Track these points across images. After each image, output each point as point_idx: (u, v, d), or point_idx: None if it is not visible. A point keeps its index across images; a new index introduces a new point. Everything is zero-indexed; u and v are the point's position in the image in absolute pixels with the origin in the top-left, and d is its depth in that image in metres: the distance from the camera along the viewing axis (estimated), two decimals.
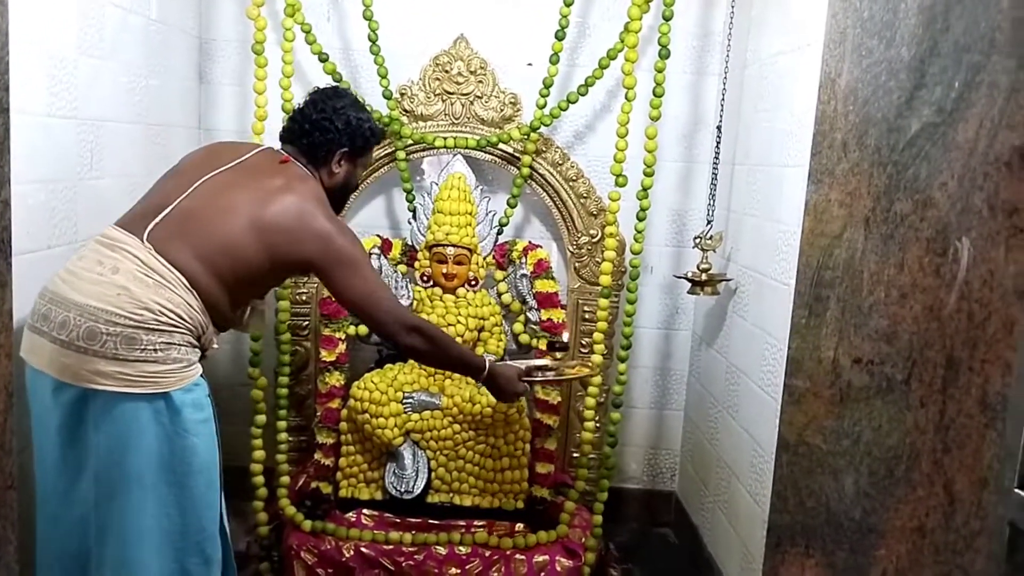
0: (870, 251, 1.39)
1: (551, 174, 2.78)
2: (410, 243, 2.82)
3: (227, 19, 2.93)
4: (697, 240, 2.61)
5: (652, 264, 3.05)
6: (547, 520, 2.56)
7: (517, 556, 2.44)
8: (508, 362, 2.33)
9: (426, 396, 2.57)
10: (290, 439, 2.65)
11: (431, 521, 2.51)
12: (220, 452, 1.82)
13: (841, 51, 1.55)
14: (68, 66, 2.07)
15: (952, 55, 1.20)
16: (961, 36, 1.18)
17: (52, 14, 2.01)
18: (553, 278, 2.74)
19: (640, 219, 2.55)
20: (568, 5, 2.68)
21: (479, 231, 2.73)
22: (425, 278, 2.73)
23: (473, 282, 2.72)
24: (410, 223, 2.82)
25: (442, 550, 2.43)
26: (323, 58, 2.66)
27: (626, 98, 2.48)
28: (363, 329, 2.69)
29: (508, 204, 2.85)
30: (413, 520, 2.51)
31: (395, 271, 2.74)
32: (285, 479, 2.57)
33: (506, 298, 2.79)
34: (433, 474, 2.53)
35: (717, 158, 2.67)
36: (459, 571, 2.42)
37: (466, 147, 2.74)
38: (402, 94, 2.80)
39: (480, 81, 2.79)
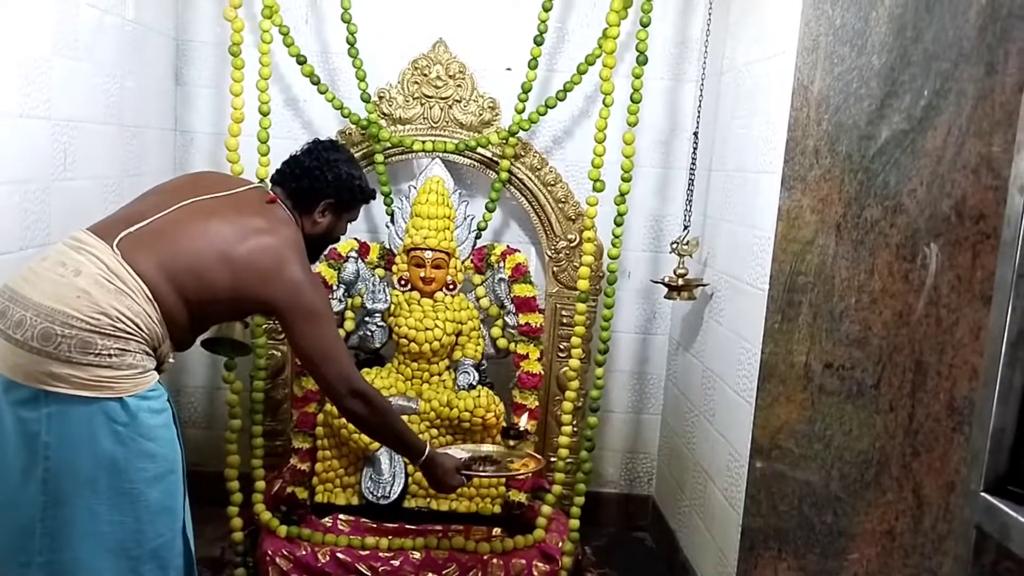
0: (841, 257, 1.41)
1: (529, 179, 2.79)
2: (388, 247, 2.81)
3: (204, 21, 2.91)
4: (674, 245, 2.63)
5: (629, 269, 3.06)
6: (524, 525, 2.56)
7: (494, 561, 2.43)
8: (451, 450, 2.30)
9: (403, 400, 2.56)
10: (266, 444, 2.63)
11: (408, 526, 2.50)
12: (183, 457, 1.80)
13: (814, 59, 1.57)
14: (42, 66, 2.05)
15: (922, 63, 1.22)
16: (931, 44, 1.20)
17: (26, 14, 1.99)
18: (531, 282, 2.75)
19: (618, 224, 2.57)
20: (547, 10, 2.68)
21: (457, 235, 2.73)
22: (403, 282, 2.72)
23: (451, 286, 2.71)
24: (388, 226, 2.82)
25: (419, 555, 2.42)
26: (301, 60, 2.65)
27: (604, 104, 2.50)
28: (340, 333, 2.69)
29: (486, 208, 2.86)
30: (390, 525, 2.50)
31: (373, 275, 2.74)
32: (260, 484, 2.55)
33: (484, 302, 2.79)
34: (410, 479, 2.52)
35: (694, 164, 2.69)
36: None
37: (444, 151, 2.74)
38: (380, 97, 2.79)
39: (459, 85, 2.80)
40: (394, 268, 2.75)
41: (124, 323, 1.66)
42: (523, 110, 2.74)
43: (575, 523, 2.60)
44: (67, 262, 1.68)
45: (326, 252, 2.52)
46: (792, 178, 1.63)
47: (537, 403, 2.69)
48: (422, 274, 2.67)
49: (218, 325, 2.17)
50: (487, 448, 2.43)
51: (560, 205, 2.79)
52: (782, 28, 2.18)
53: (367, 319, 2.70)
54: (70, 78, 2.20)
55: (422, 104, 2.80)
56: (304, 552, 2.40)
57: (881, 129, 1.31)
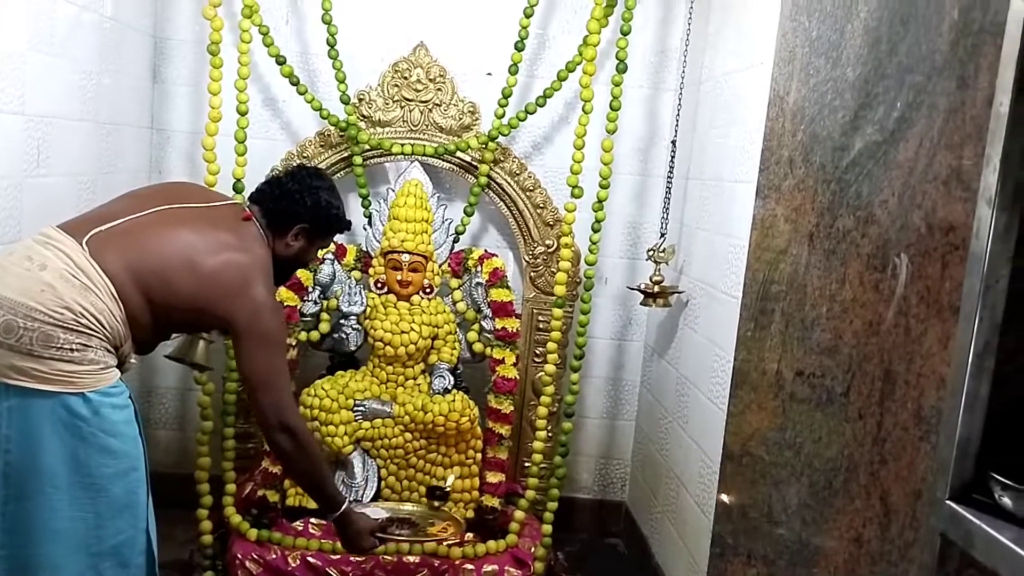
0: (814, 266, 1.42)
1: (508, 184, 2.79)
2: (365, 249, 2.80)
3: (183, 19, 2.89)
4: (650, 252, 2.64)
5: (606, 275, 3.07)
6: (497, 529, 2.55)
7: (466, 566, 2.43)
8: (369, 510, 2.29)
9: (377, 404, 2.56)
10: (237, 446, 2.60)
11: None
12: (147, 456, 1.78)
13: (790, 70, 1.58)
14: (16, 61, 2.03)
15: (896, 76, 1.23)
16: (904, 58, 1.22)
17: (1, 9, 1.96)
18: (508, 287, 2.75)
19: (595, 231, 2.58)
20: (528, 17, 2.69)
21: (435, 239, 2.73)
22: (379, 285, 2.71)
23: (428, 290, 2.71)
24: (366, 229, 2.81)
25: (390, 559, 2.41)
26: (280, 61, 2.64)
27: (583, 110, 2.51)
28: (314, 335, 2.67)
29: (465, 212, 2.86)
30: None
31: (349, 277, 2.73)
32: (231, 487, 2.52)
33: (461, 306, 2.79)
34: (383, 483, 2.51)
35: (671, 172, 2.71)
36: None
37: (424, 154, 2.74)
38: (360, 99, 2.79)
39: (439, 89, 2.80)
40: (371, 271, 2.74)
41: (87, 319, 1.65)
42: (503, 115, 2.74)
43: (548, 528, 2.60)
44: (34, 256, 1.68)
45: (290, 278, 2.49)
46: (767, 187, 1.65)
47: (512, 408, 2.69)
48: (399, 277, 2.66)
49: (181, 342, 2.17)
50: (408, 508, 2.46)
51: (538, 210, 2.80)
52: (760, 39, 2.20)
53: (342, 321, 2.69)
54: (46, 74, 2.17)
55: (402, 107, 2.79)
56: (274, 556, 2.38)
57: (855, 140, 1.33)
